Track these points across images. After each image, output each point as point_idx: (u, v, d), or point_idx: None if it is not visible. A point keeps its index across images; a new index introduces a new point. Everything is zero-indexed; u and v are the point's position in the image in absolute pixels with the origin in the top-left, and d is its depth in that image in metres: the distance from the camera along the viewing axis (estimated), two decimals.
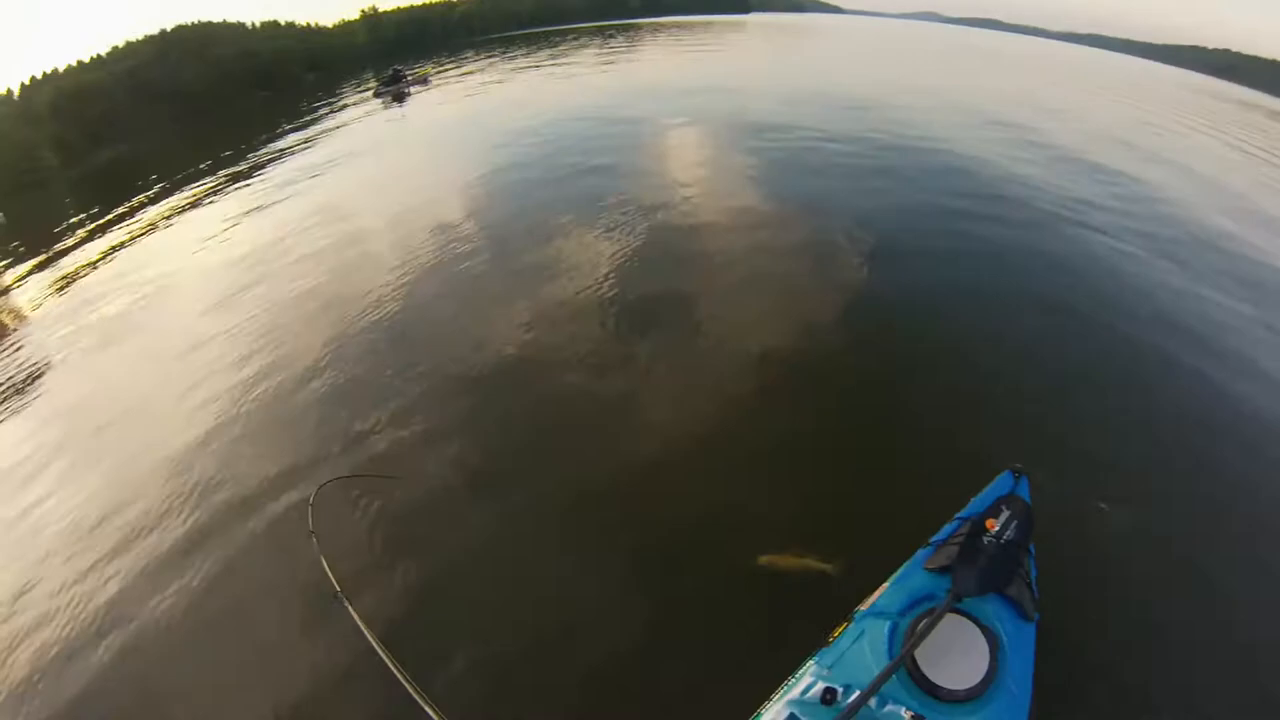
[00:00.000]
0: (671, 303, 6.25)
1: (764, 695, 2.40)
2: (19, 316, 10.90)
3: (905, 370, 5.22)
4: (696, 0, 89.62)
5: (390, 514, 4.27)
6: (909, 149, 11.22)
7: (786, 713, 2.14)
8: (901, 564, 2.72)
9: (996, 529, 2.59)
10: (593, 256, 7.33)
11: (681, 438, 4.57)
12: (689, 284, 6.60)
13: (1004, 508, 2.69)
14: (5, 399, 7.26)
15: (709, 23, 64.86)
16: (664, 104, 15.34)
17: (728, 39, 39.81)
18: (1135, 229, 8.25)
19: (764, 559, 3.37)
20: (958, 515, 2.83)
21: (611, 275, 6.85)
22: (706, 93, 17.31)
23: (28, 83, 76.24)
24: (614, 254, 7.33)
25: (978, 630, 2.30)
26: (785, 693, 2.30)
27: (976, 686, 2.15)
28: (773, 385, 5.04)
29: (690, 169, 10.10)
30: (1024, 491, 2.92)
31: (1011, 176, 10.02)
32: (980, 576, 2.42)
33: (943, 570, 2.55)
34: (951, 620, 2.32)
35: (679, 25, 58.65)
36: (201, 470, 5.05)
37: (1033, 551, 2.67)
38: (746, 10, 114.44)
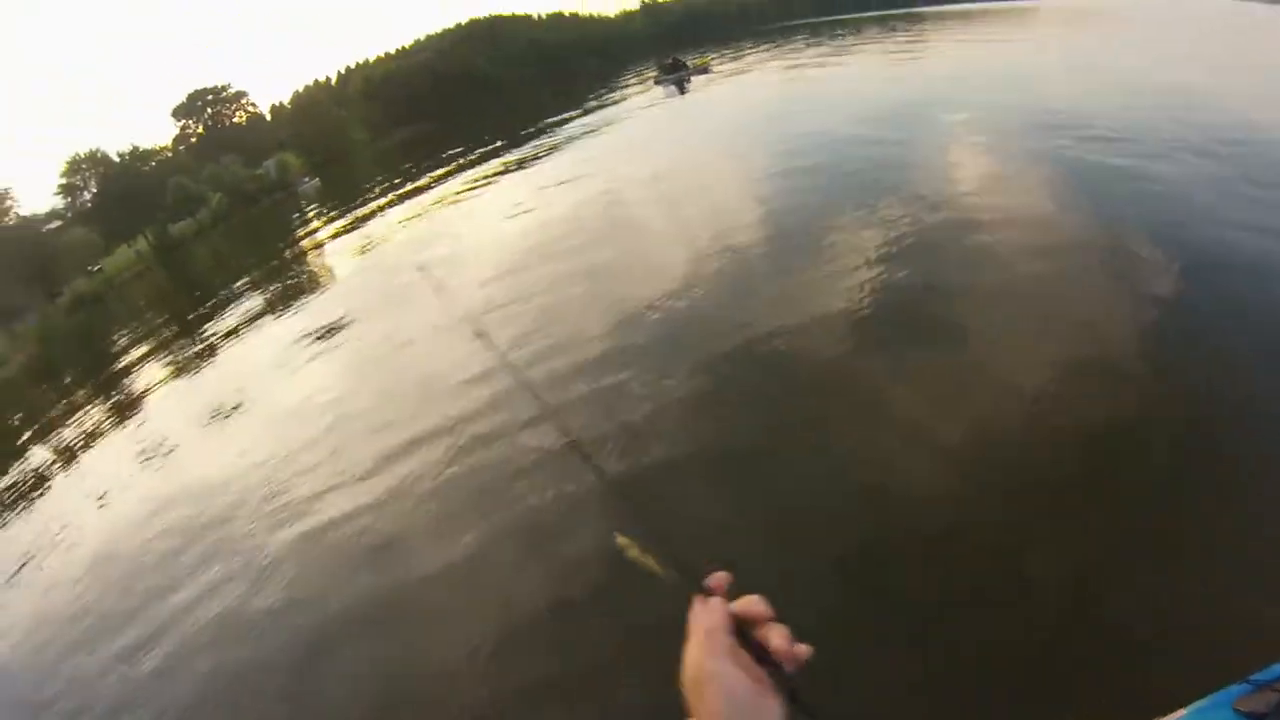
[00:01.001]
0: (945, 320, 5.44)
1: None
2: (327, 266, 14.65)
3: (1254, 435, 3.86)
4: None
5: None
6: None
7: None
8: (1205, 693, 2.28)
9: None
10: (867, 260, 6.65)
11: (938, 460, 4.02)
12: (962, 301, 5.69)
13: None
14: (325, 331, 9.52)
15: (1000, 10, 58.94)
16: (951, 99, 13.96)
17: (1019, 28, 35.82)
18: None
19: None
20: None
21: (881, 284, 6.15)
22: (993, 89, 15.38)
23: (343, 71, 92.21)
24: (888, 260, 6.57)
25: None
26: None
27: None
28: (1058, 420, 4.10)
29: (978, 172, 8.99)
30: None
31: None
32: None
33: (1254, 717, 2.14)
34: None
35: (964, 15, 54.12)
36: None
37: None
38: None
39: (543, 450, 4.79)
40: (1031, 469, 3.79)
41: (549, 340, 6.53)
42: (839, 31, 43.96)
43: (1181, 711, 2.24)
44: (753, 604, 0.61)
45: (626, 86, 34.91)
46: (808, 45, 36.33)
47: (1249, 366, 4.30)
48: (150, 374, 11.69)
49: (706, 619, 0.59)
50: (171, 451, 7.84)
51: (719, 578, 0.62)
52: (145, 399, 10.39)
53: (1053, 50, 22.51)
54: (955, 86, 15.79)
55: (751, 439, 4.51)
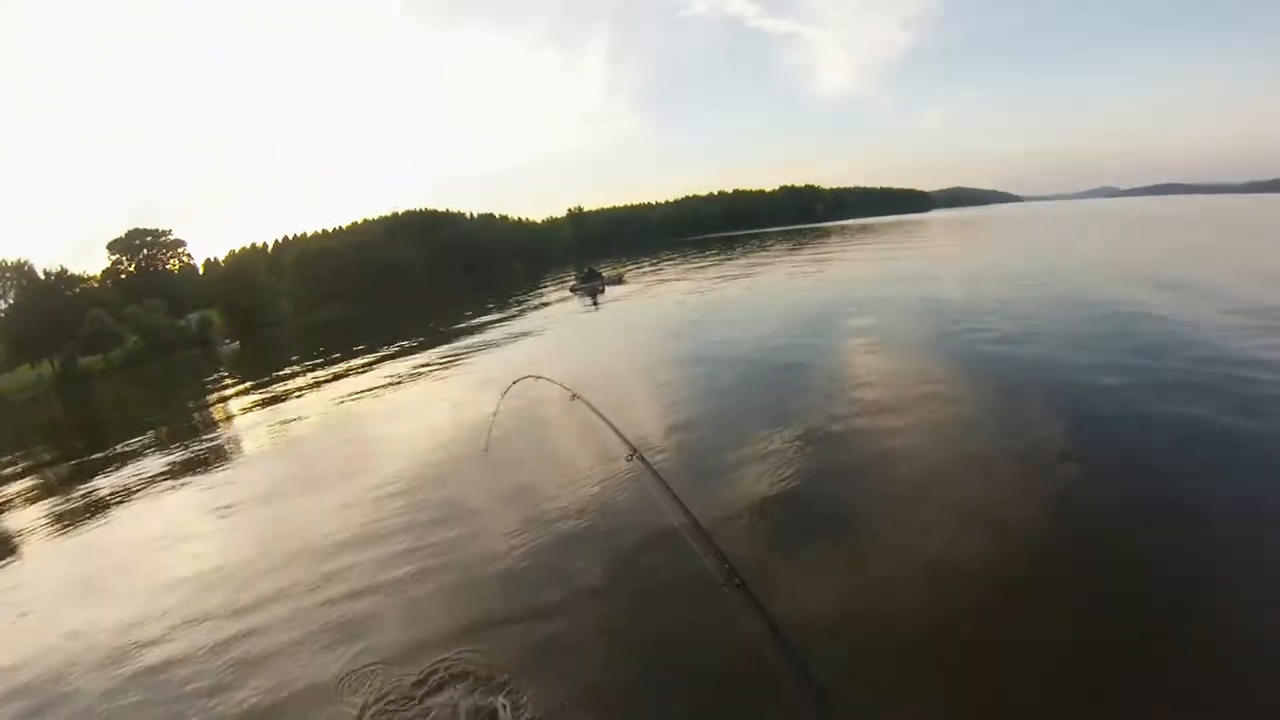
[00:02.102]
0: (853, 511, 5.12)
1: None
2: (230, 420, 14.80)
3: None
4: (879, 202, 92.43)
5: None
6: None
7: None
8: None
9: None
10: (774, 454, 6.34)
11: None
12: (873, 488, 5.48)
13: None
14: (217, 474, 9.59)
15: (894, 223, 65.50)
16: (852, 304, 14.77)
17: (914, 239, 38.90)
18: None
19: None
20: None
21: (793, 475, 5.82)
22: (898, 287, 16.79)
23: (279, 240, 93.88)
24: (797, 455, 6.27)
25: None
26: None
27: None
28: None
29: (884, 367, 9.20)
30: None
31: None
32: None
33: None
34: None
35: (865, 228, 59.56)
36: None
37: None
38: (928, 208, 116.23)
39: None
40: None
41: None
42: (750, 245, 46.92)
43: None
44: None
45: (545, 290, 35.24)
46: (721, 257, 37.92)
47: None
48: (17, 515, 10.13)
49: None
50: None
51: None
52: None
53: (942, 256, 24.76)
54: (856, 293, 17.47)
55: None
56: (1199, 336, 8.80)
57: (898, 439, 6.34)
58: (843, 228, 64.76)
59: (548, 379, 6.71)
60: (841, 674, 3.17)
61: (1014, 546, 4.30)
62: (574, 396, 5.60)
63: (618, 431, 4.40)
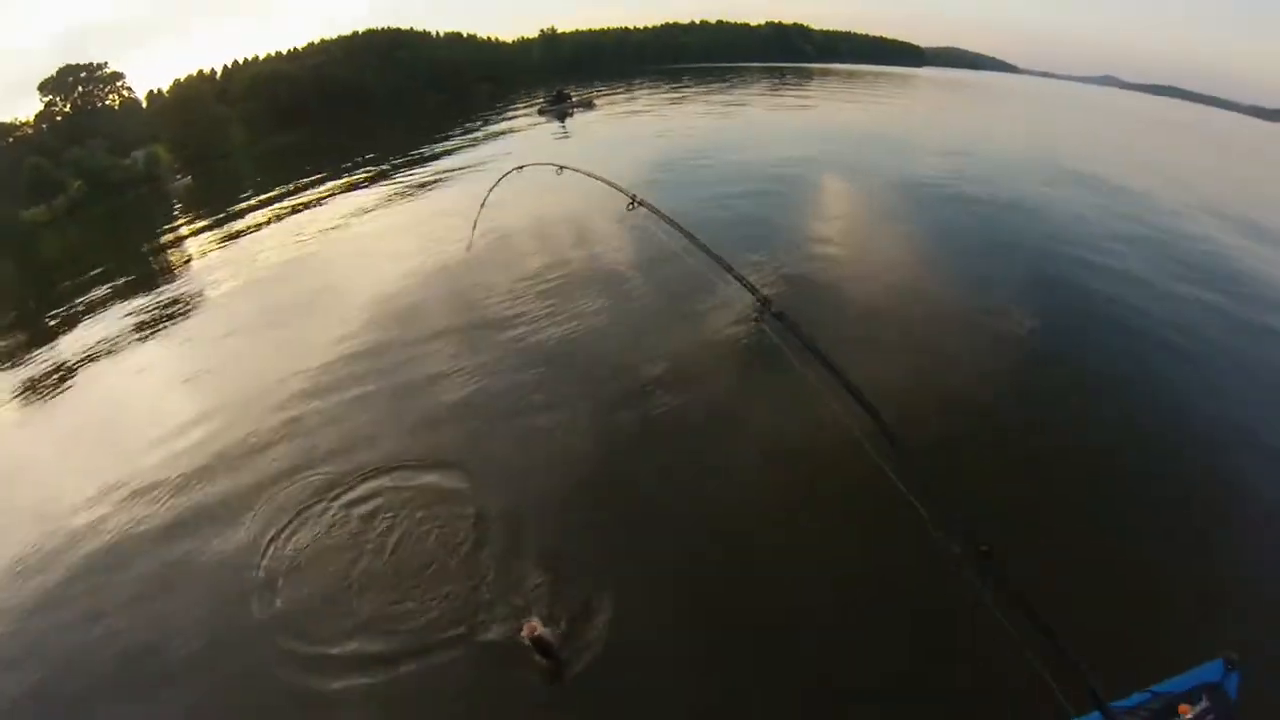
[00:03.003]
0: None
1: None
2: (186, 260, 14.01)
3: (1118, 477, 4.54)
4: (870, 49, 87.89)
5: None
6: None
7: None
8: (1072, 716, 2.30)
9: (1189, 716, 2.33)
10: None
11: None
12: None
13: (1205, 697, 2.39)
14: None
15: (881, 73, 62.84)
16: (826, 152, 14.61)
17: (898, 93, 37.80)
18: None
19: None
20: (1151, 688, 2.50)
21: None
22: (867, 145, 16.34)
23: (229, 65, 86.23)
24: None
25: None
26: None
27: None
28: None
29: (839, 222, 9.43)
30: (1232, 687, 2.51)
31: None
32: None
33: None
34: None
35: (851, 74, 57.06)
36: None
37: None
38: (920, 63, 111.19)
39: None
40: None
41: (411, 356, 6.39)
42: (728, 79, 44.75)
43: None
44: None
45: (514, 110, 33.77)
46: (696, 89, 36.35)
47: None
48: None
49: None
50: None
51: None
52: None
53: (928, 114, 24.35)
54: (835, 142, 16.47)
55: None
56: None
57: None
58: (826, 70, 61.92)
59: (534, 163, 5.85)
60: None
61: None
62: (560, 169, 5.11)
63: (612, 184, 4.16)
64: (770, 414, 4.85)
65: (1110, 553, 3.86)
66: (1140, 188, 13.01)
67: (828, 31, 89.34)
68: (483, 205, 6.50)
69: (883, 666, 3.23)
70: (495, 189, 6.26)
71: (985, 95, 47.17)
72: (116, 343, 8.93)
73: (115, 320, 10.20)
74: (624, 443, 4.78)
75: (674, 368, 5.46)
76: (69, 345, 9.50)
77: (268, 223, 14.97)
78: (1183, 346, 6.04)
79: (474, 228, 6.71)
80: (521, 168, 5.90)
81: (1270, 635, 3.35)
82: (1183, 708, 2.36)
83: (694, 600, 3.62)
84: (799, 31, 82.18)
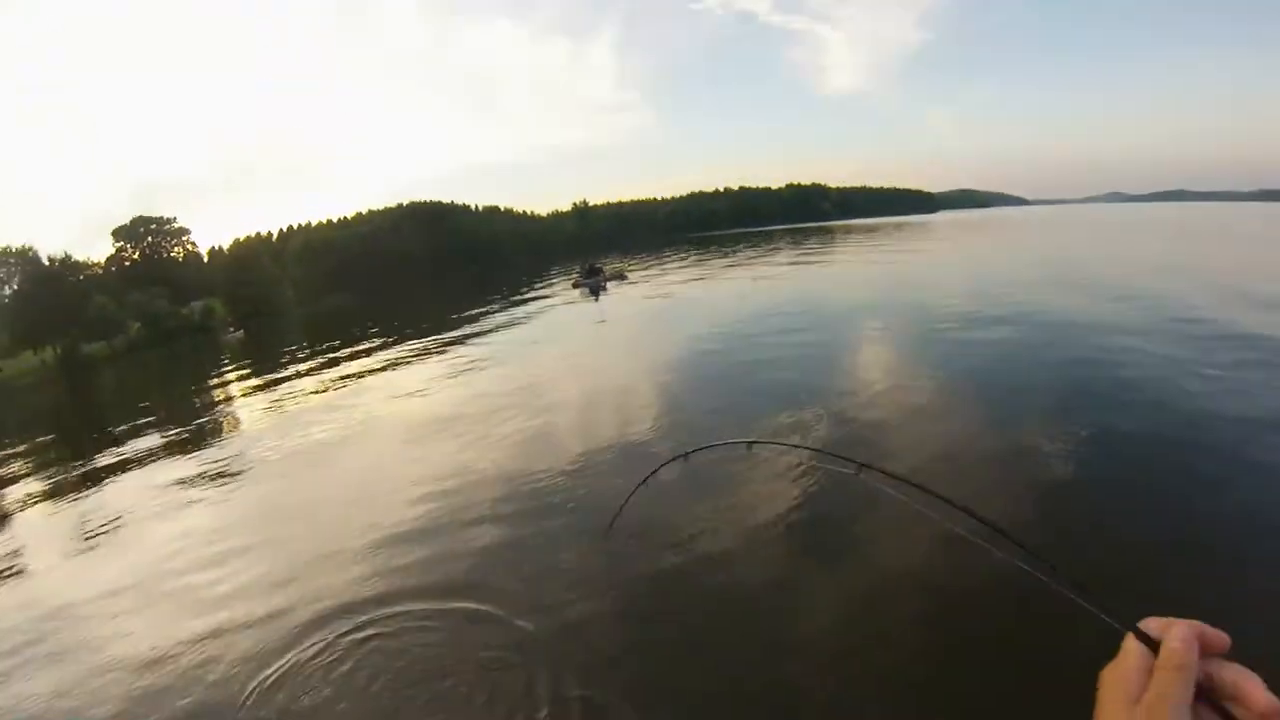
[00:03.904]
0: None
1: None
2: (233, 414, 14.38)
3: None
4: (885, 200, 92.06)
5: None
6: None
7: None
8: None
9: None
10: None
11: None
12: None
13: None
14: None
15: (899, 223, 65.20)
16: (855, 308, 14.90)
17: (917, 242, 38.66)
18: None
19: None
20: None
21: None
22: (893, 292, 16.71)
23: (284, 229, 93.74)
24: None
25: None
26: None
27: None
28: None
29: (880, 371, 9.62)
30: None
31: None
32: None
33: None
34: None
35: (869, 228, 59.31)
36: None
37: None
38: (933, 209, 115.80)
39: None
40: None
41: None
42: (753, 244, 46.69)
43: None
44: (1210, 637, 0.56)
45: (549, 283, 35.22)
46: (724, 256, 37.74)
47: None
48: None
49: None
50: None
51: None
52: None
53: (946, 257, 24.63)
54: (859, 293, 17.46)
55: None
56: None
57: None
58: (848, 227, 64.61)
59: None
60: None
61: None
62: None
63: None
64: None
65: None
66: (1138, 286, 14.21)
67: (843, 188, 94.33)
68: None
69: None
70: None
71: (999, 230, 48.26)
72: (158, 500, 8.53)
73: (160, 467, 10.24)
74: None
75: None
76: (110, 496, 9.30)
77: (315, 391, 15.07)
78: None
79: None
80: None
81: None
82: None
83: None
84: (817, 191, 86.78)
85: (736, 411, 8.42)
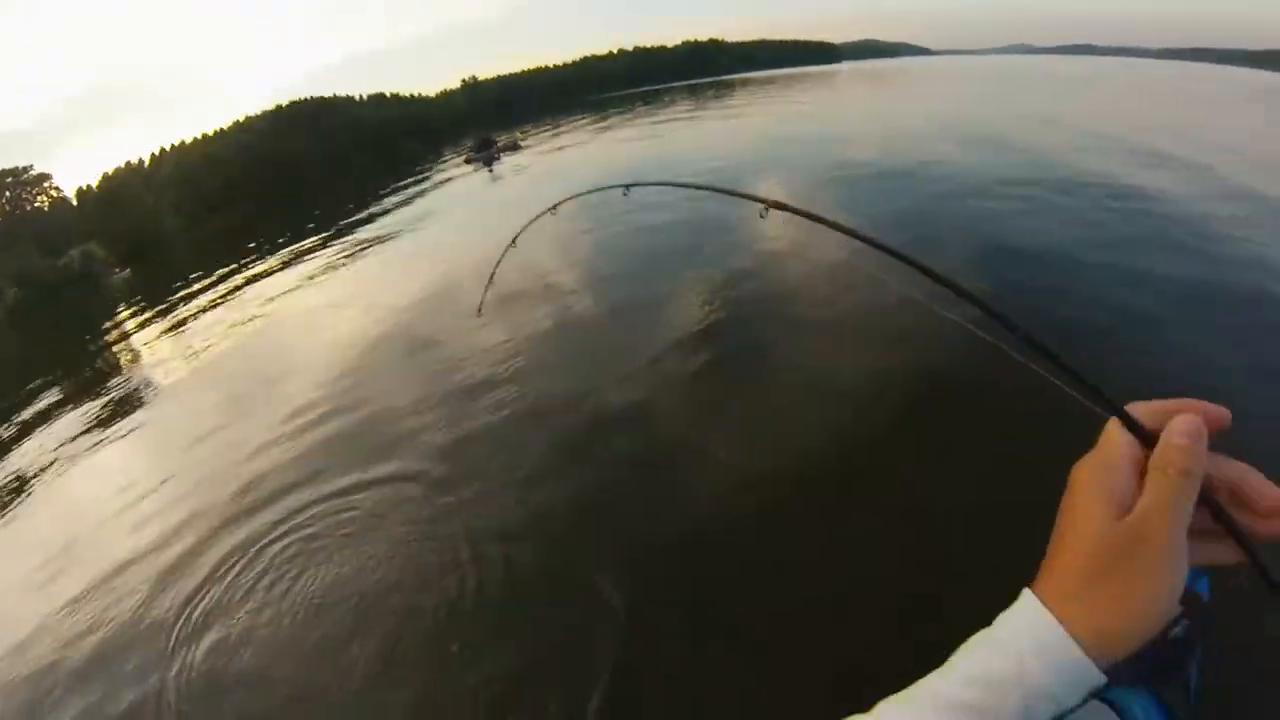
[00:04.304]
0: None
1: None
2: (133, 354, 13.13)
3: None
4: (787, 54, 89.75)
5: None
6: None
7: None
8: None
9: (1174, 632, 1.38)
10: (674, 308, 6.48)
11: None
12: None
13: (1179, 605, 1.42)
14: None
15: (799, 75, 64.08)
16: (761, 156, 14.60)
17: (821, 91, 38.33)
18: None
19: None
20: None
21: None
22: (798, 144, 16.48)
23: (157, 153, 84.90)
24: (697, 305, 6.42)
25: None
26: None
27: None
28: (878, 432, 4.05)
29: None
30: (1204, 588, 1.73)
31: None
32: (1135, 668, 1.24)
33: None
34: (1094, 707, 1.33)
35: (770, 80, 58.00)
36: None
37: (1198, 656, 1.41)
38: (837, 60, 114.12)
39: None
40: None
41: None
42: (651, 99, 45.07)
43: None
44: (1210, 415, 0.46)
45: (443, 163, 33.49)
46: (621, 115, 36.36)
47: None
48: None
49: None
50: None
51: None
52: None
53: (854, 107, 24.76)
54: (763, 147, 16.41)
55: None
56: None
57: None
58: (746, 80, 63.00)
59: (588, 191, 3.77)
60: None
61: None
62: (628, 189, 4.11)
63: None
64: None
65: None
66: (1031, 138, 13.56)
67: (743, 42, 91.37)
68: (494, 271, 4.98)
69: None
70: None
71: (901, 79, 48.32)
72: (68, 448, 8.26)
73: (66, 425, 9.50)
74: None
75: None
76: (20, 458, 8.78)
77: (213, 306, 14.46)
78: None
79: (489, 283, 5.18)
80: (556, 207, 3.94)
81: None
82: None
83: None
84: (715, 47, 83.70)
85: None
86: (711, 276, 6.78)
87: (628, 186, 2.88)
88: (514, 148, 28.44)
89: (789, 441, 4.10)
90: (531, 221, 4.11)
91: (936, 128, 15.73)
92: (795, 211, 1.32)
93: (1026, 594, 0.50)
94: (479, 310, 5.35)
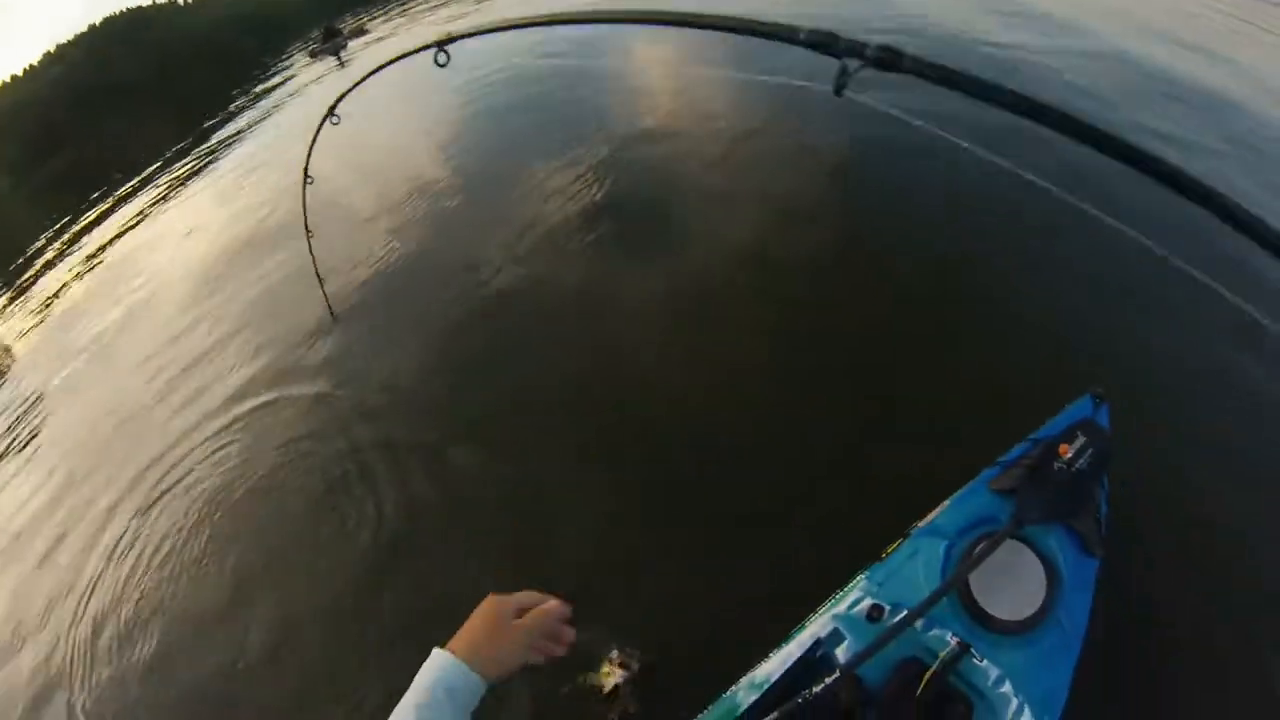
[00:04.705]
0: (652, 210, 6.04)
1: (811, 608, 2.41)
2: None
3: (969, 278, 4.70)
4: None
5: None
6: None
7: (831, 626, 2.17)
8: (964, 482, 2.60)
9: (1069, 455, 2.46)
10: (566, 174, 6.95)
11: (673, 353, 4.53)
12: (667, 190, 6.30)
13: (1080, 434, 2.52)
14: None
15: None
16: None
17: None
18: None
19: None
20: (1030, 436, 2.66)
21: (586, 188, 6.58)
22: None
23: None
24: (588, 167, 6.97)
25: (1037, 560, 2.23)
26: (832, 606, 2.30)
27: (1029, 618, 2.09)
28: (786, 293, 4.76)
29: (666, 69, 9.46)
30: (1103, 419, 2.68)
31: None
32: (1046, 504, 2.32)
33: (1007, 493, 2.44)
34: (1010, 547, 2.22)
35: None
36: None
37: (1105, 485, 2.51)
38: None
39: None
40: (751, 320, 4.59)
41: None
42: None
43: (945, 502, 2.55)
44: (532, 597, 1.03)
45: (289, 64, 30.98)
46: None
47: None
48: None
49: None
50: None
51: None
52: None
53: None
54: None
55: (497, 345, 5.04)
56: None
57: None
58: None
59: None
60: None
61: None
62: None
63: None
64: None
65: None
66: None
67: None
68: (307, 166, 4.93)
69: None
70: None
71: None
72: None
73: None
74: None
75: None
76: None
77: (59, 256, 14.04)
78: None
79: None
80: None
81: (1127, 363, 3.85)
82: (1062, 448, 2.49)
83: None
84: None
85: None
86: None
87: (441, 46, 2.16)
88: (361, 34, 26.84)
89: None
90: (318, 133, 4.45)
91: None
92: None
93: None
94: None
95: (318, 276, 5.63)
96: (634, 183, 6.61)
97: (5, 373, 9.28)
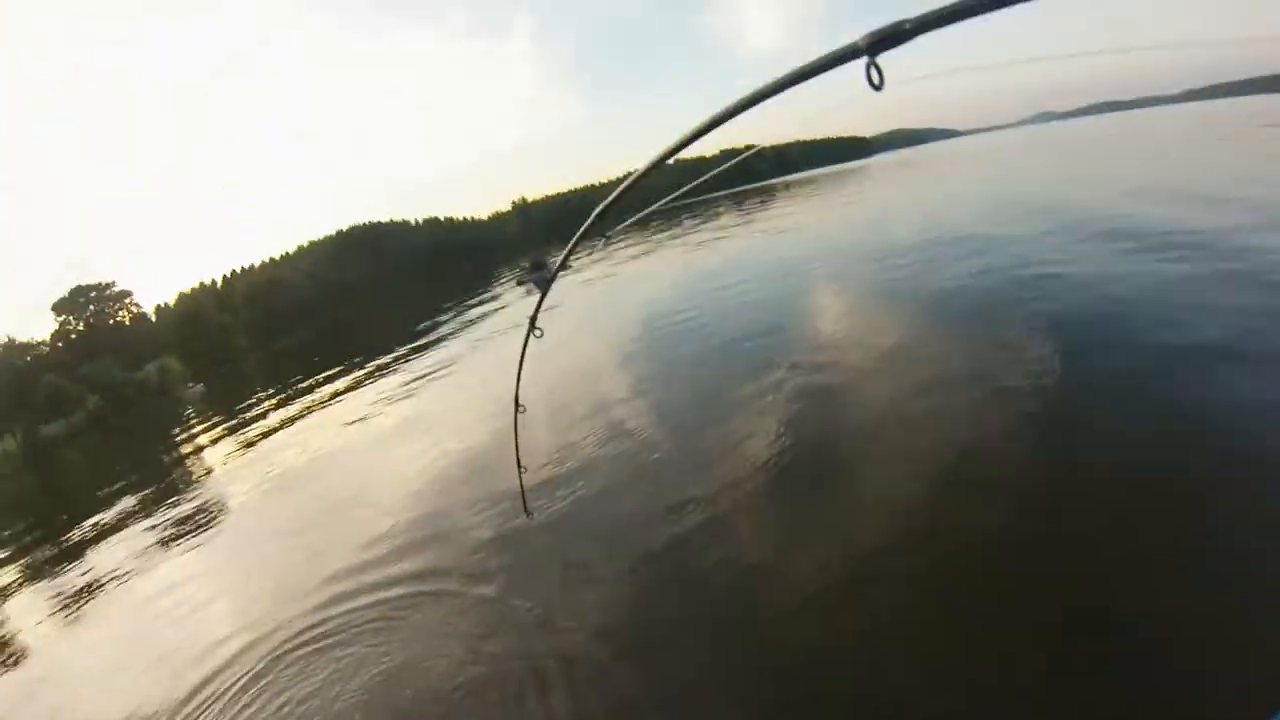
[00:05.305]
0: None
1: None
2: (206, 468, 13.55)
3: None
4: (821, 152, 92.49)
5: None
6: None
7: None
8: None
9: None
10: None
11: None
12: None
13: None
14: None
15: (836, 172, 65.53)
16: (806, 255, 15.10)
17: (852, 187, 38.79)
18: None
19: None
20: None
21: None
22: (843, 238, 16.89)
23: (228, 275, 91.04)
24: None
25: None
26: None
27: None
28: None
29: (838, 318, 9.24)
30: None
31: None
32: None
33: None
34: None
35: (810, 180, 59.46)
36: None
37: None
38: (870, 153, 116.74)
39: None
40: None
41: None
42: (694, 213, 46.29)
43: None
44: None
45: (498, 285, 34.63)
46: (668, 230, 37.31)
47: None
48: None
49: None
50: None
51: None
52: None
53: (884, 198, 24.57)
54: (810, 248, 17.06)
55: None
56: None
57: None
58: (787, 184, 64.76)
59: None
60: None
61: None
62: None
63: None
64: None
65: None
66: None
67: (777, 146, 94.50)
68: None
69: None
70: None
71: (932, 165, 48.72)
72: (143, 557, 8.54)
73: (140, 535, 9.87)
74: None
75: None
76: (95, 562, 9.17)
77: (282, 426, 14.88)
78: None
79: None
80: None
81: None
82: None
83: None
84: (753, 153, 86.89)
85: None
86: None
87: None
88: (565, 267, 29.11)
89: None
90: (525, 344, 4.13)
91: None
92: None
93: None
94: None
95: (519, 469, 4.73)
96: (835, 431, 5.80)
97: (215, 515, 9.67)
